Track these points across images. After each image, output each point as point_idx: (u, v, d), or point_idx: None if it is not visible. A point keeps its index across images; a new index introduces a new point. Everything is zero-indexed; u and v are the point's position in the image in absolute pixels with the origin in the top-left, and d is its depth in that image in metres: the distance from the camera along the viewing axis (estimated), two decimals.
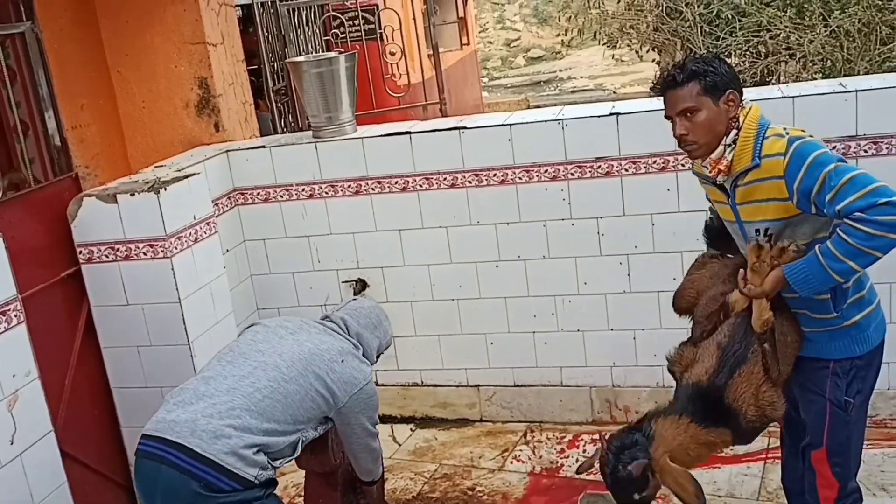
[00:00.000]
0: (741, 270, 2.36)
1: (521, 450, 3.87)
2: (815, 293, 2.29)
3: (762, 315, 2.29)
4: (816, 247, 2.25)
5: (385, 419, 4.22)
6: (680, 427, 2.32)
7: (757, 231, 2.40)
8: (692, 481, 2.27)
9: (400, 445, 4.06)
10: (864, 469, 3.37)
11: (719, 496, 3.36)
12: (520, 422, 4.09)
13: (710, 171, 2.38)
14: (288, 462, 2.61)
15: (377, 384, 3.99)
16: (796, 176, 2.23)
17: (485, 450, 3.91)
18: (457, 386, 4.19)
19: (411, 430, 4.19)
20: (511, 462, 3.78)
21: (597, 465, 2.41)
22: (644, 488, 2.28)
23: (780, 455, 3.58)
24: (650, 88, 2.52)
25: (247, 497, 2.38)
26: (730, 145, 2.34)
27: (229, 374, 2.52)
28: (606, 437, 2.41)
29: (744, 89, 2.44)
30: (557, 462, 3.73)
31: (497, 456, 3.85)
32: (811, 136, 2.33)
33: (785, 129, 2.34)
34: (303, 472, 3.16)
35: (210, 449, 2.34)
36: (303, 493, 3.21)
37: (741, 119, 2.34)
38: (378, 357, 2.98)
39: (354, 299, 3.08)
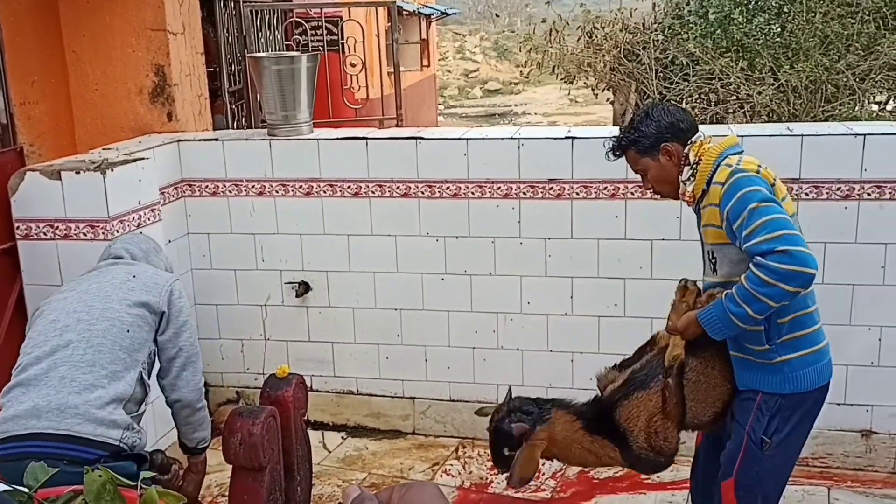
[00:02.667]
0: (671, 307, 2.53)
1: (451, 464, 3.86)
2: (724, 336, 2.38)
3: (673, 351, 2.46)
4: (725, 292, 2.36)
5: (317, 426, 4.16)
6: (570, 425, 2.49)
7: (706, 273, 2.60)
8: (531, 471, 2.45)
9: (330, 452, 4.00)
10: None
11: None
12: (452, 437, 4.07)
13: (688, 205, 2.58)
14: (143, 409, 2.48)
15: (311, 389, 3.96)
16: (727, 205, 2.36)
17: (415, 462, 3.89)
18: (392, 397, 4.16)
19: (342, 437, 4.14)
20: (441, 475, 3.76)
21: (491, 412, 2.61)
22: (513, 449, 2.45)
23: None
24: (606, 155, 2.68)
25: (119, 471, 2.26)
26: (687, 179, 2.51)
27: (42, 355, 2.40)
28: (513, 393, 2.60)
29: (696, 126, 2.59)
30: (487, 478, 3.72)
31: (427, 469, 3.82)
32: (758, 171, 2.40)
33: (739, 160, 2.44)
34: (227, 472, 3.09)
35: (61, 425, 2.25)
36: (227, 492, 3.13)
37: (691, 156, 2.49)
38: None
39: (125, 234, 3.01)
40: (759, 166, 2.43)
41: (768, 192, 2.33)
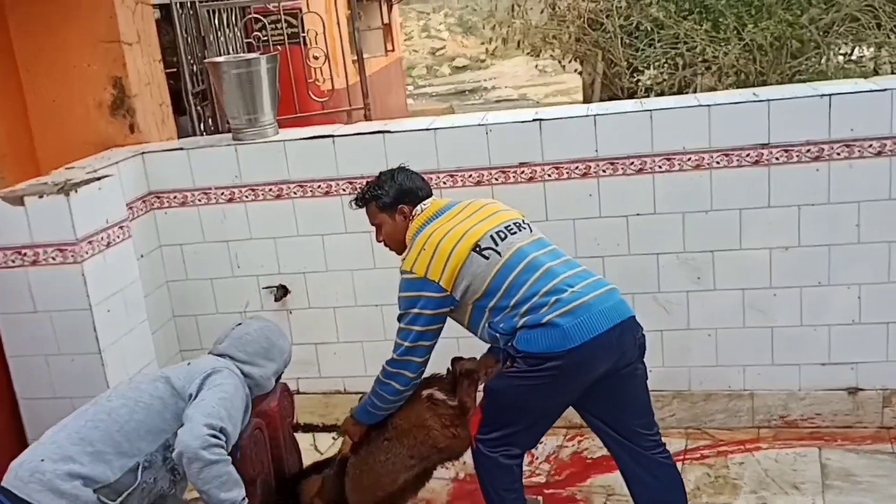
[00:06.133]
0: None
1: None
2: (376, 419, 2.95)
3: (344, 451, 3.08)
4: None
5: (307, 428, 4.14)
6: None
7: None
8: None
9: (322, 454, 3.98)
10: (778, 469, 3.49)
11: None
12: None
13: None
14: (124, 499, 2.36)
15: (297, 392, 3.94)
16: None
17: None
18: None
19: (333, 438, 4.12)
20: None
21: None
22: None
23: (697, 456, 3.69)
24: (350, 203, 2.88)
25: None
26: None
27: (66, 424, 2.45)
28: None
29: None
30: None
31: None
32: (422, 256, 2.76)
33: (424, 245, 2.77)
34: None
35: (25, 489, 2.24)
36: None
37: (410, 226, 2.89)
38: (279, 378, 2.87)
39: (240, 324, 2.84)
40: (429, 236, 2.77)
41: (418, 289, 2.75)
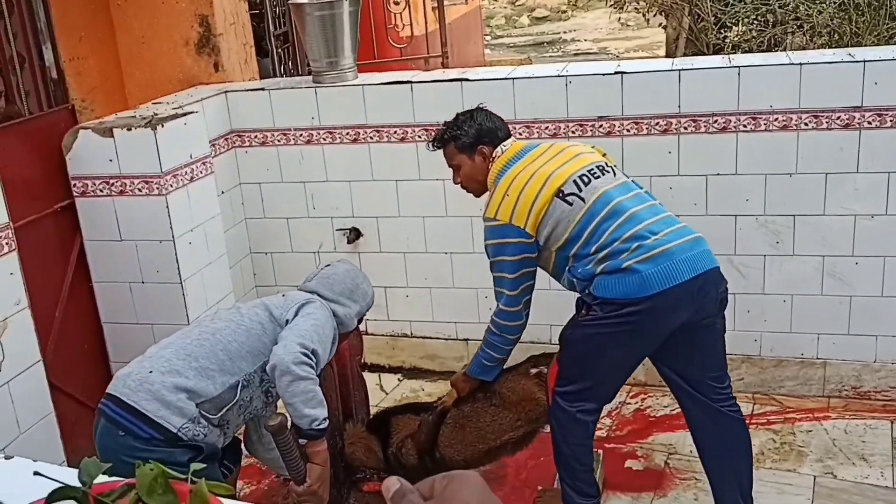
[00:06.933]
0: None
1: None
2: (492, 373, 2.95)
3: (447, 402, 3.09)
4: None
5: (373, 368, 4.24)
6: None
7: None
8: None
9: (387, 394, 4.08)
10: (846, 439, 3.43)
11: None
12: None
13: None
14: (224, 414, 2.45)
15: (366, 333, 4.02)
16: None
17: None
18: (446, 339, 4.19)
19: (399, 379, 4.21)
20: None
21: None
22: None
23: (763, 422, 3.65)
24: (427, 145, 2.77)
25: (169, 457, 2.28)
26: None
27: (170, 339, 2.58)
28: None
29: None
30: None
31: None
32: (506, 201, 2.69)
33: (507, 191, 2.71)
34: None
35: (134, 396, 2.35)
36: None
37: (490, 168, 2.83)
38: (360, 320, 2.93)
39: (328, 265, 2.92)
40: (512, 180, 2.71)
41: (503, 236, 2.69)
